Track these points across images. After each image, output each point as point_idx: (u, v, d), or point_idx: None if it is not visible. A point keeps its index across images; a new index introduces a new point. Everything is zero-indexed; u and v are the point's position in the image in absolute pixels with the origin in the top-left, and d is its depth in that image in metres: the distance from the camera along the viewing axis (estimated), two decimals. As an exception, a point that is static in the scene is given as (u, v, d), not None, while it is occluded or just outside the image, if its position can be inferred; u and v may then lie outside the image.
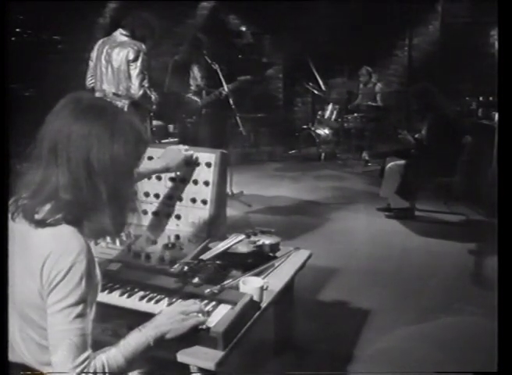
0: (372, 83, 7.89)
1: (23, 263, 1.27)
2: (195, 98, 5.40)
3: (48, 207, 1.26)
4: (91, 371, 1.23)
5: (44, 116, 1.34)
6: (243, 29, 9.00)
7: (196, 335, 1.48)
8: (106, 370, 1.26)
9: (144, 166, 1.82)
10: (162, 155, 2.09)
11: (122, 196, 1.34)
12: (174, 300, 1.67)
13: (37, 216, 1.26)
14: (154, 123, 5.79)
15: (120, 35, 3.94)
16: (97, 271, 1.32)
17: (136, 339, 1.36)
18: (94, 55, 4.04)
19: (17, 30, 6.35)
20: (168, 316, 1.46)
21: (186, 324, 1.46)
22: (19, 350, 1.33)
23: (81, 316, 1.24)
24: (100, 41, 4.06)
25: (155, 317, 1.46)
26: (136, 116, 1.43)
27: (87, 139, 1.25)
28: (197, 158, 2.12)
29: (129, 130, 1.32)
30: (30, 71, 5.86)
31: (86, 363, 1.23)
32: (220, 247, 1.96)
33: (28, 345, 1.31)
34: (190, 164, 2.12)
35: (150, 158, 2.12)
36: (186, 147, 2.12)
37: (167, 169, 2.08)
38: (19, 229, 1.29)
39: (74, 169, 1.25)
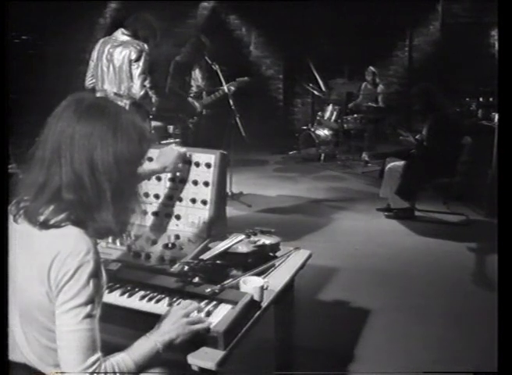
0: (375, 83, 7.89)
1: (29, 266, 1.27)
2: (195, 102, 5.42)
3: (51, 208, 1.26)
4: (102, 372, 1.23)
5: (44, 117, 1.33)
6: (244, 29, 9.00)
7: (197, 336, 1.49)
8: (117, 373, 1.26)
9: (143, 167, 1.82)
10: (158, 157, 2.09)
11: (126, 195, 1.34)
12: (175, 299, 1.68)
13: (40, 218, 1.25)
14: (154, 123, 5.79)
15: (122, 35, 3.92)
16: (103, 272, 1.32)
17: (146, 344, 1.36)
18: (94, 54, 4.02)
19: (17, 30, 6.36)
20: (173, 321, 1.45)
21: (192, 327, 1.46)
22: (25, 351, 1.32)
23: (90, 316, 1.23)
24: (101, 41, 4.04)
25: (160, 324, 1.45)
26: (138, 115, 1.44)
27: (90, 139, 1.26)
28: (190, 156, 2.12)
29: (132, 129, 1.32)
30: (30, 72, 5.86)
31: (96, 365, 1.22)
32: (220, 247, 1.96)
33: (34, 348, 1.30)
34: (186, 162, 2.12)
35: (150, 159, 2.12)
36: (179, 147, 2.13)
37: (164, 169, 2.08)
38: (21, 231, 1.29)
39: (78, 169, 1.25)
